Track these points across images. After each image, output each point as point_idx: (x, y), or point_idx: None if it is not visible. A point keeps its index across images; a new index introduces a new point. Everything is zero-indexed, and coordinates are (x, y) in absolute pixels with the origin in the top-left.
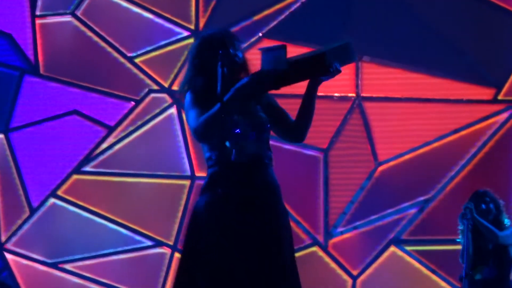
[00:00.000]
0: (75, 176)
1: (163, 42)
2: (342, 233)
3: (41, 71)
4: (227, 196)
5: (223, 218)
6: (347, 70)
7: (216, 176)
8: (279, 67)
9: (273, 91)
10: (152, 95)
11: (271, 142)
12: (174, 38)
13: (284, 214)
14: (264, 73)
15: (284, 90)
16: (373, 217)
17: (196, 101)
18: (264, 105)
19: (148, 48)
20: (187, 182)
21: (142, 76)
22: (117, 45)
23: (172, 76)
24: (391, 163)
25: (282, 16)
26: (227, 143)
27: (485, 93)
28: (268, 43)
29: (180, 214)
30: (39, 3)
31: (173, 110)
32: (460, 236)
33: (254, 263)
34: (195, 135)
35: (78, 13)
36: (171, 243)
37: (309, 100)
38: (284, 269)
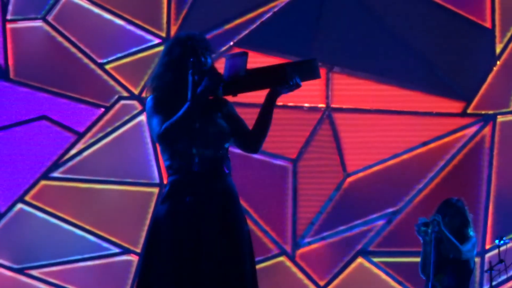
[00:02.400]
0: (43, 182)
1: (134, 49)
2: (310, 243)
3: (11, 75)
4: (187, 204)
5: (183, 227)
6: (317, 81)
7: (177, 184)
8: (239, 73)
9: (231, 98)
10: (122, 102)
11: (239, 151)
12: (145, 45)
13: (243, 221)
14: (219, 79)
15: (247, 99)
16: (341, 228)
17: (160, 106)
18: (224, 113)
19: (119, 55)
20: (155, 190)
21: (112, 82)
22: (87, 51)
23: (142, 83)
24: (360, 175)
25: (254, 26)
26: (189, 151)
27: (455, 106)
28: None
29: (147, 221)
30: (10, 7)
31: (142, 117)
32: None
33: (215, 272)
34: (159, 138)
35: (49, 18)
36: (138, 250)
37: (266, 111)
38: (245, 277)
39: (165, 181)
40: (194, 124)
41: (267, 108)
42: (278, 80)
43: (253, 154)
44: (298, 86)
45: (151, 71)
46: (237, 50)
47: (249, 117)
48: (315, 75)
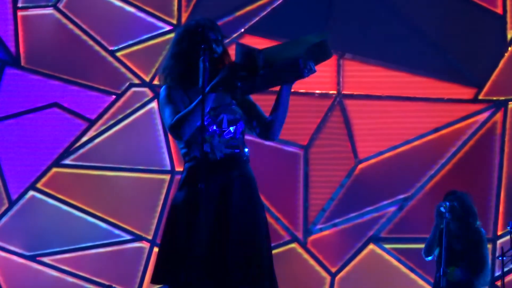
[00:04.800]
0: (54, 169)
1: (145, 36)
2: (321, 230)
3: (22, 63)
4: (202, 191)
5: (200, 213)
6: (328, 68)
7: (194, 171)
8: (255, 73)
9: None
10: (133, 89)
11: (251, 138)
12: (156, 33)
13: (260, 206)
14: (237, 80)
15: None
16: (352, 214)
17: (172, 97)
18: (239, 101)
19: (130, 42)
20: (167, 177)
21: (123, 70)
22: (98, 38)
23: (153, 70)
24: (371, 161)
25: (264, 12)
26: (205, 139)
27: (466, 92)
28: (250, 39)
29: (159, 208)
30: None
31: (153, 105)
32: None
33: (231, 255)
34: (171, 132)
35: (60, 5)
36: (150, 237)
37: (283, 98)
38: (262, 262)
39: (176, 168)
40: (205, 116)
41: (284, 96)
42: (295, 76)
43: (271, 141)
44: (313, 72)
45: (162, 60)
46: (248, 37)
47: (262, 104)
48: (328, 55)
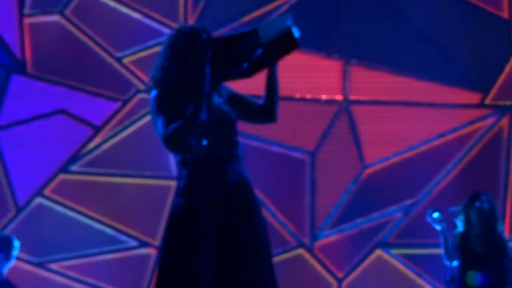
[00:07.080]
0: (61, 176)
1: (151, 43)
2: (328, 235)
3: (28, 69)
4: (207, 198)
5: (201, 221)
6: (334, 74)
7: (192, 178)
8: (256, 52)
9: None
10: (139, 95)
11: (257, 144)
12: (162, 39)
13: (258, 211)
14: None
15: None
16: (359, 220)
17: (165, 104)
18: (225, 97)
19: (136, 49)
20: (173, 183)
21: (129, 76)
22: (105, 45)
23: None
24: (378, 167)
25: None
26: (200, 143)
27: (472, 97)
28: None
29: (166, 215)
30: (27, 2)
31: None
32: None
33: (232, 263)
34: (166, 142)
35: (67, 12)
36: (156, 243)
37: (274, 74)
38: (263, 268)
39: None
40: (201, 118)
41: (274, 73)
42: (294, 44)
43: (272, 123)
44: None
45: (155, 63)
46: None
47: None
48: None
